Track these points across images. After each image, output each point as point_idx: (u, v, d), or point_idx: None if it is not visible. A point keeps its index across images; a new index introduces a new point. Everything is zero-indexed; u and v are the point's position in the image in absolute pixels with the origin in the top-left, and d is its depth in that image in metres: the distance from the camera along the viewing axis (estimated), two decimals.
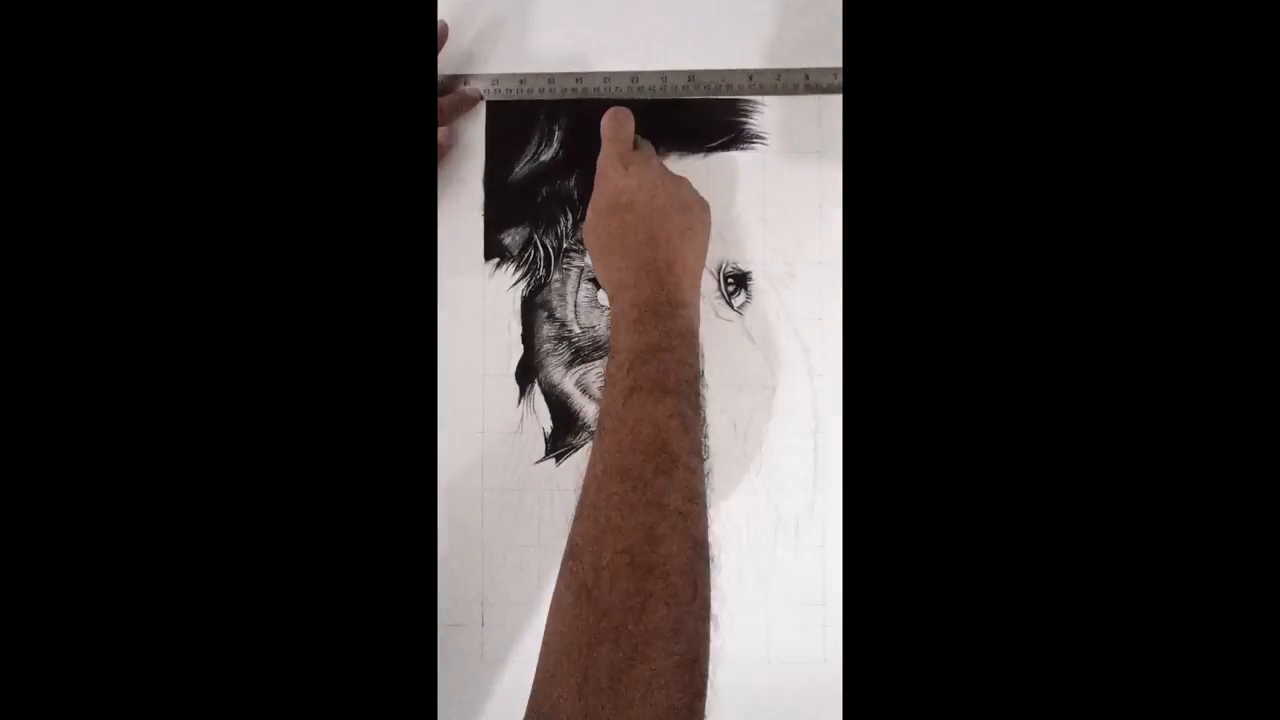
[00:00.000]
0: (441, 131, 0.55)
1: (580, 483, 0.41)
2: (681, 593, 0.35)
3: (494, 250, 0.57)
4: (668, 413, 0.39)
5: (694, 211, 0.48)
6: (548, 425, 0.56)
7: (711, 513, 0.40)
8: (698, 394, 0.42)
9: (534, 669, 0.37)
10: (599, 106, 0.57)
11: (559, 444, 0.56)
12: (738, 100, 0.57)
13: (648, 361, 0.41)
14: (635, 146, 0.53)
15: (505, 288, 0.57)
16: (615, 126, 0.51)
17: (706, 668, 0.35)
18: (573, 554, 0.37)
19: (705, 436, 0.44)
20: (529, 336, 0.57)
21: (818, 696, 0.54)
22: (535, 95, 0.57)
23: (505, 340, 0.57)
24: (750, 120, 0.57)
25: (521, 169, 0.57)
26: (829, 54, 0.57)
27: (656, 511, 0.36)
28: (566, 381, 0.56)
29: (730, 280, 0.56)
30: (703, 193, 0.56)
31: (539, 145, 0.57)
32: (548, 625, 0.38)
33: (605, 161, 0.50)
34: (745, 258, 0.56)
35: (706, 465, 0.44)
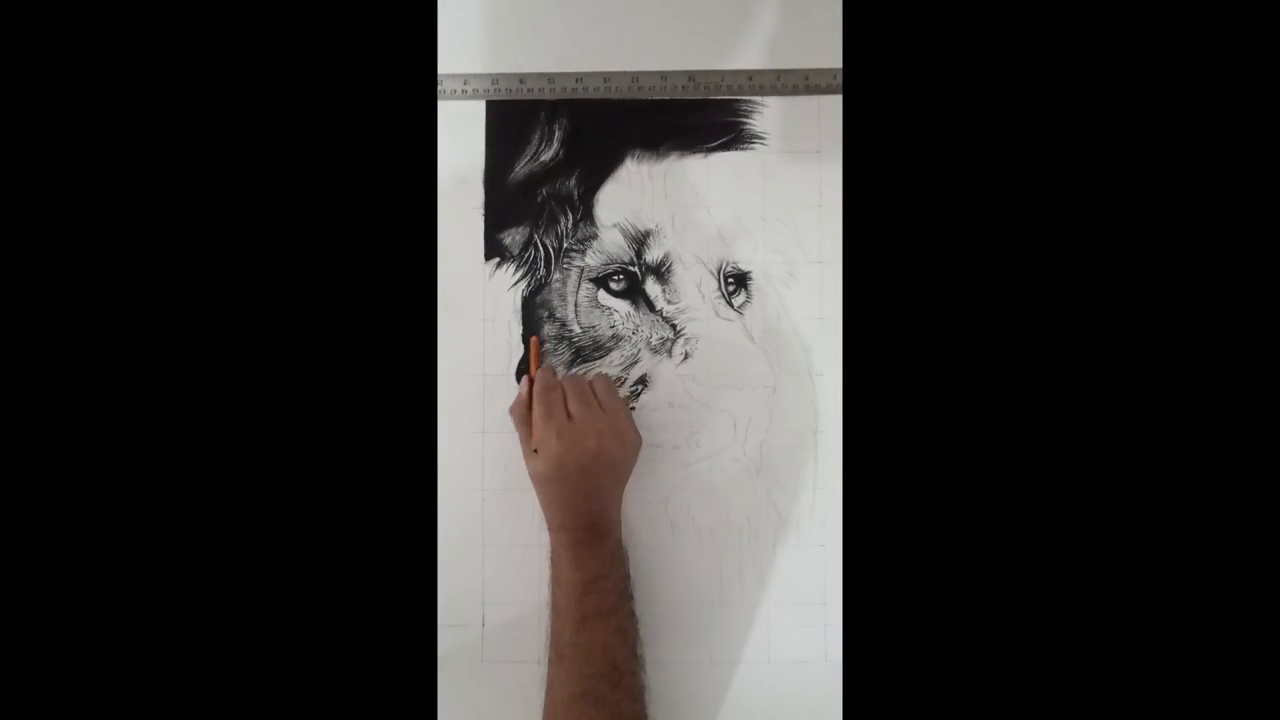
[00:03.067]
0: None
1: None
2: None
3: (494, 250, 0.57)
4: (613, 631, 0.48)
5: (627, 460, 0.52)
6: None
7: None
8: (630, 600, 0.50)
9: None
10: (599, 106, 0.57)
11: None
12: (738, 100, 0.57)
13: (591, 592, 0.48)
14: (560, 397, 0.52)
15: (505, 288, 0.57)
16: (546, 396, 0.52)
17: None
18: None
19: (638, 632, 0.50)
20: (529, 336, 0.57)
21: (818, 696, 0.54)
22: (535, 95, 0.57)
23: (505, 340, 0.57)
24: (750, 120, 0.57)
25: (521, 169, 0.57)
26: (829, 54, 0.57)
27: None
28: None
29: (730, 280, 0.56)
30: (703, 193, 0.56)
31: (539, 145, 0.57)
32: None
33: (542, 430, 0.51)
34: (745, 258, 0.56)
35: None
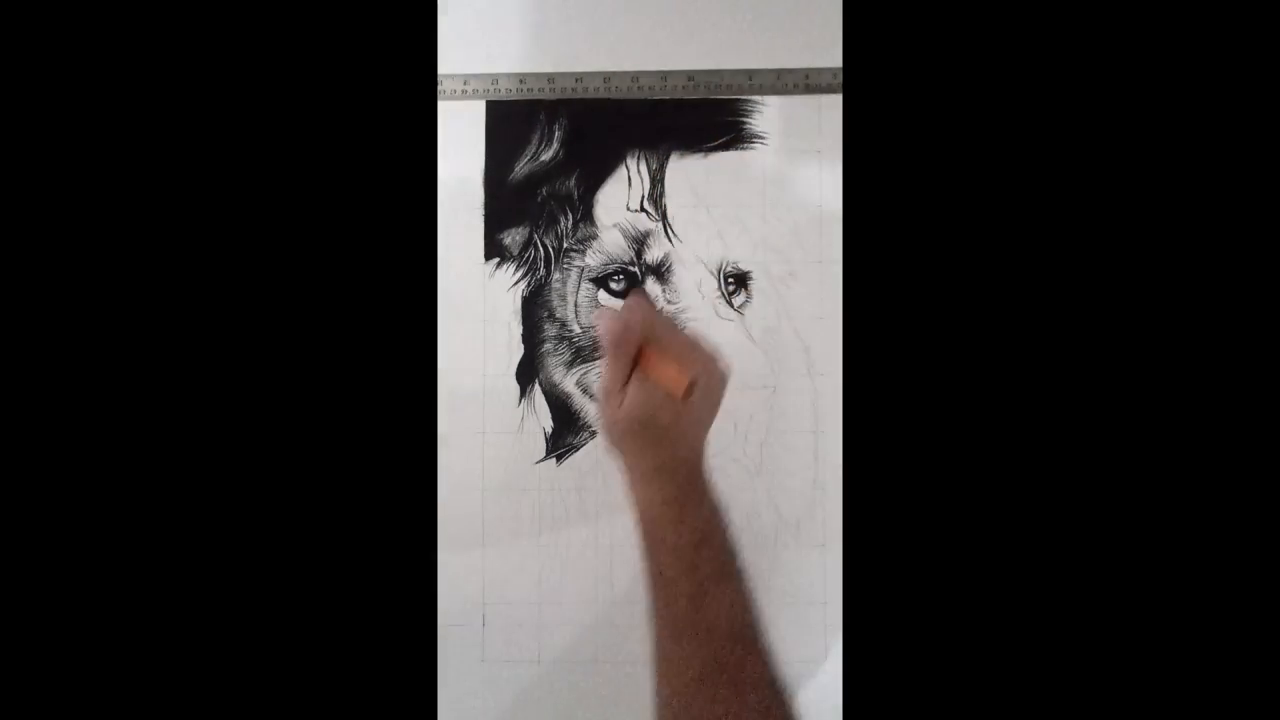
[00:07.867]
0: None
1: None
2: None
3: (494, 250, 0.57)
4: (733, 596, 0.42)
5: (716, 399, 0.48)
6: (548, 425, 0.56)
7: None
8: (740, 556, 0.45)
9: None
10: (599, 106, 0.57)
11: (559, 444, 0.56)
12: (738, 100, 0.57)
13: (704, 548, 0.43)
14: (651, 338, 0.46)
15: (505, 288, 0.57)
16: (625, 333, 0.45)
17: None
18: None
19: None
20: (529, 336, 0.57)
21: (818, 696, 0.54)
22: (535, 95, 0.57)
23: (505, 340, 0.57)
24: (750, 120, 0.57)
25: (521, 169, 0.57)
26: (829, 54, 0.57)
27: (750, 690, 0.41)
28: (567, 381, 0.56)
29: (730, 280, 0.56)
30: (702, 193, 0.56)
31: (539, 145, 0.57)
32: None
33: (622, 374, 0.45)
34: (745, 258, 0.56)
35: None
